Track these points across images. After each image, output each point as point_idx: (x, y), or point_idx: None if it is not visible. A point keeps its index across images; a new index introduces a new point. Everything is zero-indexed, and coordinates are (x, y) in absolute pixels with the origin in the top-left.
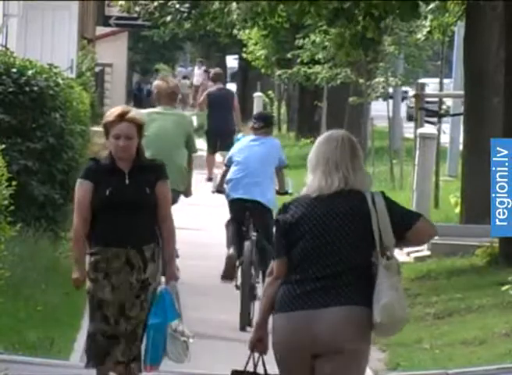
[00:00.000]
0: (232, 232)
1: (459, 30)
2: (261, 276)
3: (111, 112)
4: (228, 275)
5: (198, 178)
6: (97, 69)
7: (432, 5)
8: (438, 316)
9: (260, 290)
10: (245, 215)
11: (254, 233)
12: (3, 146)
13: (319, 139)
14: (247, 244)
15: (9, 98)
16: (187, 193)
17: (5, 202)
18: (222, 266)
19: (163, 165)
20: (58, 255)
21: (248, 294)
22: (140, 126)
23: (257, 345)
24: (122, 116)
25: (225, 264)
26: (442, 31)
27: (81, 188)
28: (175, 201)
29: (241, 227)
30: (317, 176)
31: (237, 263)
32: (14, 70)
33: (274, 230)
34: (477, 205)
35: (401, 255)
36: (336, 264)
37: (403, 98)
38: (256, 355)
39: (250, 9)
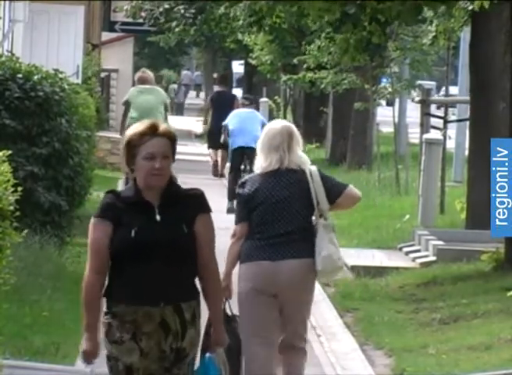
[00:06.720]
0: (233, 177)
1: (464, 35)
2: None
3: (135, 128)
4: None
5: (206, 183)
6: (102, 74)
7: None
8: (444, 322)
9: None
10: (243, 157)
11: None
12: (9, 152)
13: (265, 128)
14: (244, 175)
15: (15, 104)
16: None
17: (11, 208)
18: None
19: (203, 195)
20: (63, 260)
21: None
22: (174, 143)
23: (225, 292)
24: (154, 130)
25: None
26: (447, 37)
27: (96, 230)
28: None
29: (239, 173)
30: (261, 158)
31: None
32: (20, 76)
33: (236, 201)
34: (482, 210)
35: (407, 260)
36: (287, 225)
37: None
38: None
39: (249, 7)
